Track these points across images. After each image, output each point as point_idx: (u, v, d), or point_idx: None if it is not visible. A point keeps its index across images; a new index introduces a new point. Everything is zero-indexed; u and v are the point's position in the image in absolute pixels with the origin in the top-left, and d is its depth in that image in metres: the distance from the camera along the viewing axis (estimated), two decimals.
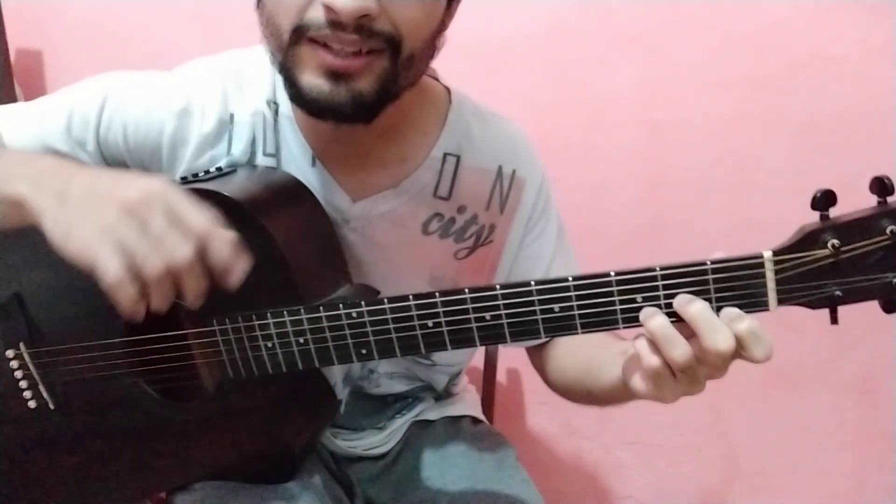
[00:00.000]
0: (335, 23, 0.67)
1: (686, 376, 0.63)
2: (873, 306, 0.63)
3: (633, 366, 0.69)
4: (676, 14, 1.41)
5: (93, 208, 0.62)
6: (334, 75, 0.71)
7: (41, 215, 0.64)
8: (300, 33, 0.69)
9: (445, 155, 0.89)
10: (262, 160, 0.88)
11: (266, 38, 0.75)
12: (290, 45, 0.71)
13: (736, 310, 0.62)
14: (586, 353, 0.87)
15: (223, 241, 0.62)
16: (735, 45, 1.41)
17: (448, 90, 0.93)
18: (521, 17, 1.44)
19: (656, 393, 0.66)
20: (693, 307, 0.62)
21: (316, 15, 0.68)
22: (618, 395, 0.76)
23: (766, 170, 1.45)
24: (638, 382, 0.67)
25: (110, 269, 0.59)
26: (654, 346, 0.63)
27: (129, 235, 0.60)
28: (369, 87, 0.72)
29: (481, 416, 1.15)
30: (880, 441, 1.57)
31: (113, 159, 0.88)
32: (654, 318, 0.63)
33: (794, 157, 1.43)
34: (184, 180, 0.84)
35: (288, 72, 0.73)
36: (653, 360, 0.63)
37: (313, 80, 0.72)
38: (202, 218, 0.62)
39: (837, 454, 1.59)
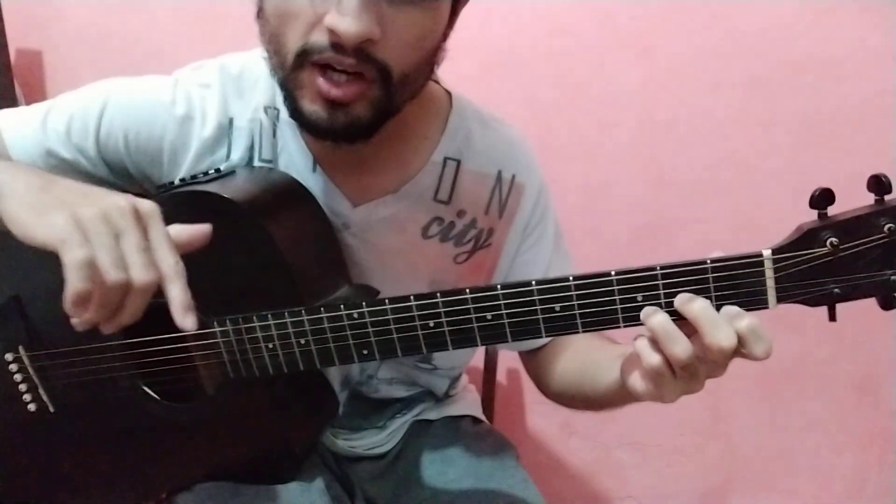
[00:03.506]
0: (337, 45, 0.68)
1: (686, 374, 0.63)
2: (872, 307, 0.63)
3: (632, 366, 0.69)
4: (676, 14, 1.41)
5: (74, 201, 0.60)
6: (331, 103, 0.72)
7: (8, 198, 0.63)
8: (304, 57, 0.70)
9: (446, 159, 0.89)
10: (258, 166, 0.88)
11: (268, 53, 0.76)
12: (293, 69, 0.71)
13: (736, 308, 0.62)
14: (582, 358, 0.87)
15: (178, 291, 0.60)
16: (735, 45, 1.41)
17: (449, 94, 0.93)
18: (522, 17, 1.44)
19: (655, 392, 0.66)
20: (695, 304, 0.62)
21: (320, 38, 0.68)
22: (615, 397, 0.76)
23: (766, 170, 1.45)
24: (637, 382, 0.67)
25: (76, 253, 0.57)
26: (655, 343, 0.63)
27: (101, 236, 0.58)
28: (365, 113, 0.73)
29: (481, 416, 1.15)
30: (880, 441, 1.57)
31: (114, 165, 0.88)
32: (654, 316, 0.63)
33: (794, 157, 1.44)
34: (183, 182, 0.84)
35: (289, 92, 0.74)
36: (653, 358, 0.63)
37: (312, 107, 0.72)
38: (172, 258, 0.60)
39: (837, 454, 1.59)
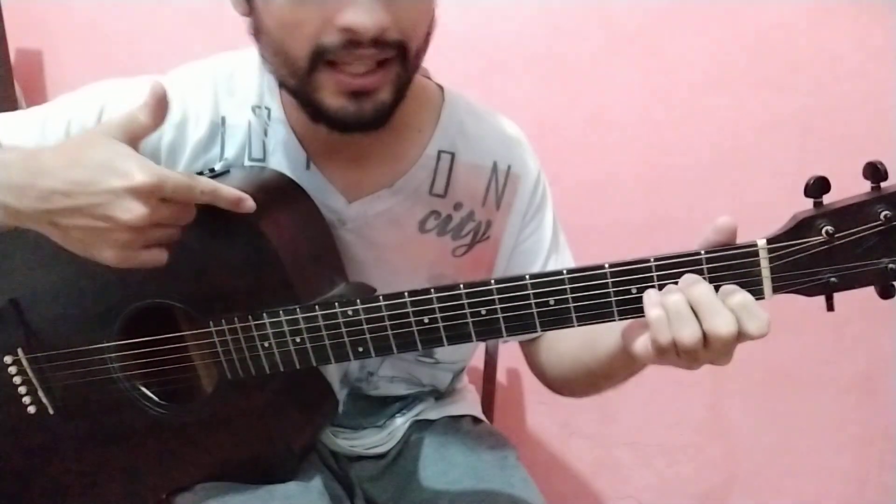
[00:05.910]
0: (353, 42, 0.68)
1: (688, 356, 0.63)
2: (871, 307, 0.62)
3: (634, 331, 0.68)
4: (676, 14, 1.41)
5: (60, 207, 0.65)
6: (356, 94, 0.72)
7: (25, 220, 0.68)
8: (317, 58, 0.70)
9: (440, 152, 0.89)
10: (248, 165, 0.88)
11: (272, 64, 0.76)
12: (308, 72, 0.72)
13: (732, 285, 0.62)
14: (581, 333, 0.86)
15: (225, 195, 0.69)
16: (735, 45, 1.41)
17: (441, 88, 0.93)
18: (521, 17, 1.44)
19: (657, 360, 0.66)
20: (695, 289, 0.62)
21: (331, 39, 0.69)
22: (616, 364, 0.76)
23: (766, 170, 1.45)
24: (640, 347, 0.67)
25: (108, 259, 0.66)
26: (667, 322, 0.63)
27: (74, 223, 0.64)
28: (389, 96, 0.74)
29: (481, 416, 1.15)
30: (880, 441, 1.56)
31: None
32: (670, 295, 0.62)
33: (793, 156, 1.43)
34: None
35: (307, 96, 0.74)
36: (663, 338, 0.63)
37: (337, 102, 0.73)
38: (141, 174, 0.63)
39: (837, 454, 1.58)
